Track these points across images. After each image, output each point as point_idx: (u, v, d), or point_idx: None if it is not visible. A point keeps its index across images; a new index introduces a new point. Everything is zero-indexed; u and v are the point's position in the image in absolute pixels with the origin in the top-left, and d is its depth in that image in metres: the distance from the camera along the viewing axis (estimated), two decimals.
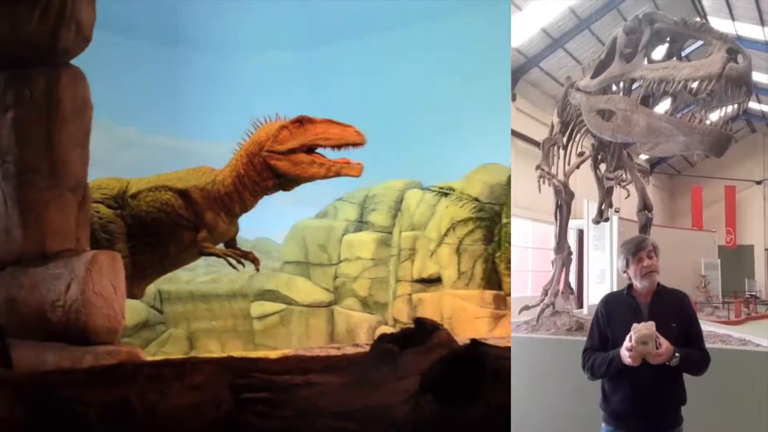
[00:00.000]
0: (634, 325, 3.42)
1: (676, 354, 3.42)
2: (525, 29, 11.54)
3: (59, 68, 5.86)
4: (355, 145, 6.94)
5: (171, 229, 7.54)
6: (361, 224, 15.81)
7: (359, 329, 14.71)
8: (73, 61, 6.03)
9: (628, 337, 3.42)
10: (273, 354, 5.45)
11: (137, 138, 19.42)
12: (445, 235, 13.73)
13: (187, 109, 18.16)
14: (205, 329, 15.70)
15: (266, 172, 7.25)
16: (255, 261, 7.87)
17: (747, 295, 12.42)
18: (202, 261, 10.88)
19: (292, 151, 7.04)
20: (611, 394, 3.70)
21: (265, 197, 7.66)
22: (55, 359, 4.90)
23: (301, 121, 7.02)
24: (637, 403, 3.60)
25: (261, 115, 7.53)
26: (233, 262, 7.65)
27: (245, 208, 7.59)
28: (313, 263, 15.77)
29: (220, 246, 7.84)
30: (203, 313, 15.79)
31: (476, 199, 13.92)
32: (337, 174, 7.11)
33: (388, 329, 12.66)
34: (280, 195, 7.92)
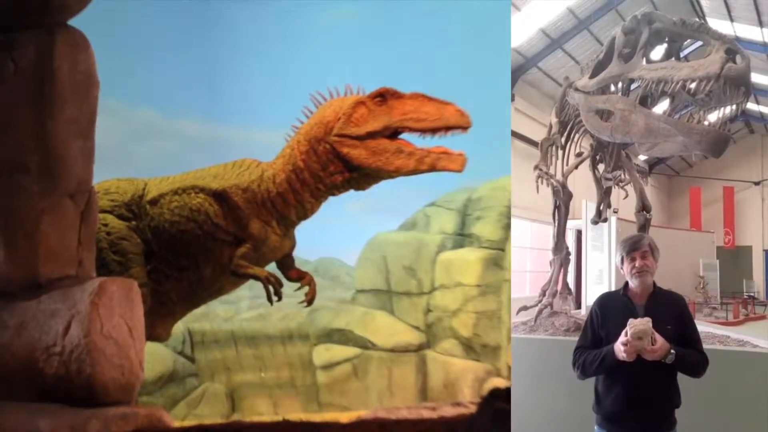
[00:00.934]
0: (630, 320, 3.42)
1: (672, 351, 3.41)
2: (524, 29, 11.54)
3: (54, 31, 4.27)
4: (456, 128, 4.84)
5: (205, 244, 5.49)
6: (462, 238, 12.15)
7: (461, 382, 11.19)
8: (73, 22, 4.39)
9: (623, 332, 3.42)
10: (344, 417, 4.55)
11: (158, 125, 14.73)
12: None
13: (225, 87, 13.85)
14: (252, 383, 11.76)
15: (334, 163, 5.12)
16: (310, 285, 5.69)
17: (745, 296, 12.43)
18: (245, 290, 8.54)
19: (372, 135, 4.99)
20: (604, 396, 3.69)
21: (331, 200, 5.51)
22: (51, 426, 3.71)
23: (384, 96, 4.97)
24: (630, 405, 3.58)
25: (323, 88, 5.39)
26: (274, 290, 5.37)
27: (304, 214, 5.43)
28: (397, 292, 12.03)
29: (262, 268, 5.54)
30: (249, 361, 11.93)
31: None
32: (432, 168, 4.94)
33: (502, 382, 10.14)
34: (351, 197, 5.55)
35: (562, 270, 8.51)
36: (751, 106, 12.85)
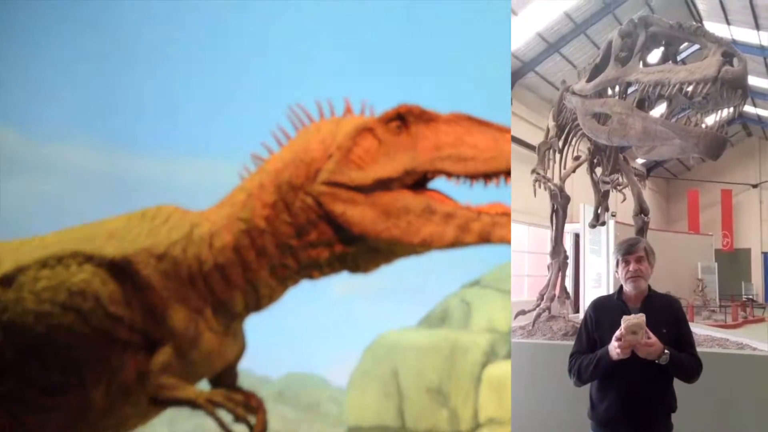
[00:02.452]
0: (624, 316, 3.42)
1: (665, 351, 3.40)
2: (521, 33, 11.55)
3: None
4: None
5: (94, 349, 3.33)
6: None
7: None
8: None
9: (618, 330, 3.41)
10: None
11: (24, 151, 8.91)
12: None
13: (123, 99, 9.15)
14: None
15: (318, 227, 3.12)
16: (258, 410, 3.30)
17: (744, 299, 12.43)
18: (164, 426, 5.39)
19: (385, 184, 3.00)
20: (599, 402, 3.68)
21: (305, 284, 3.36)
22: None
23: (404, 119, 3.03)
24: (625, 410, 3.57)
25: (303, 99, 3.29)
26: (236, 415, 3.22)
27: (257, 303, 3.35)
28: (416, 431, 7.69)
29: (196, 388, 3.34)
30: None
31: None
32: (484, 239, 2.95)
33: None
34: (342, 276, 3.31)
35: (560, 274, 8.49)
36: (748, 108, 12.87)
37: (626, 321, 3.38)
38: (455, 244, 2.94)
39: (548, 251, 8.67)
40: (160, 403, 3.28)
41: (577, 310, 9.53)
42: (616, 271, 3.74)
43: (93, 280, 3.29)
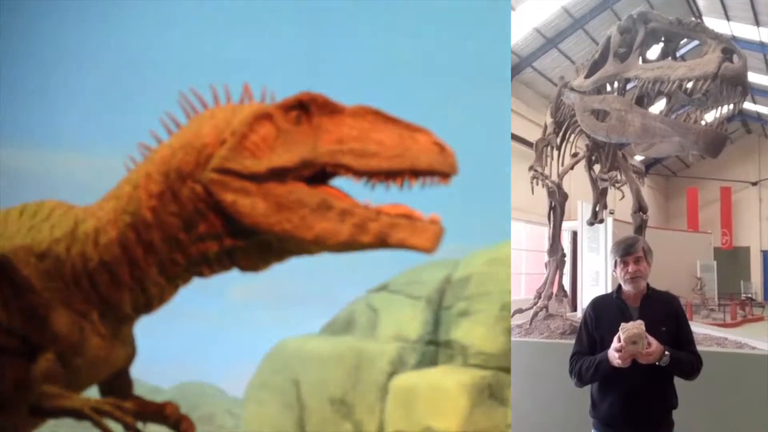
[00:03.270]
0: (623, 324, 3.36)
1: (666, 353, 3.37)
2: (518, 29, 11.50)
3: None
4: (430, 174, 2.65)
5: None
6: (434, 349, 7.57)
7: None
8: None
9: (616, 338, 3.37)
10: None
11: None
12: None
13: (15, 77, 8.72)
14: None
15: (207, 219, 2.86)
16: (181, 421, 3.14)
17: (743, 297, 12.41)
18: None
19: (279, 174, 2.75)
20: (600, 400, 3.66)
21: (198, 282, 3.13)
22: None
23: (306, 107, 2.78)
24: (626, 409, 3.55)
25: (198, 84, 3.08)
26: (126, 426, 2.86)
27: (148, 304, 3.10)
28: None
29: (81, 396, 3.02)
30: None
31: None
32: (381, 241, 2.65)
33: None
34: (236, 277, 3.06)
35: (557, 272, 8.45)
36: (748, 105, 12.83)
37: (625, 331, 3.31)
38: (351, 243, 2.69)
39: (546, 249, 8.63)
40: (41, 413, 2.98)
41: (574, 309, 9.48)
42: (614, 271, 3.70)
43: None
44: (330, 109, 2.75)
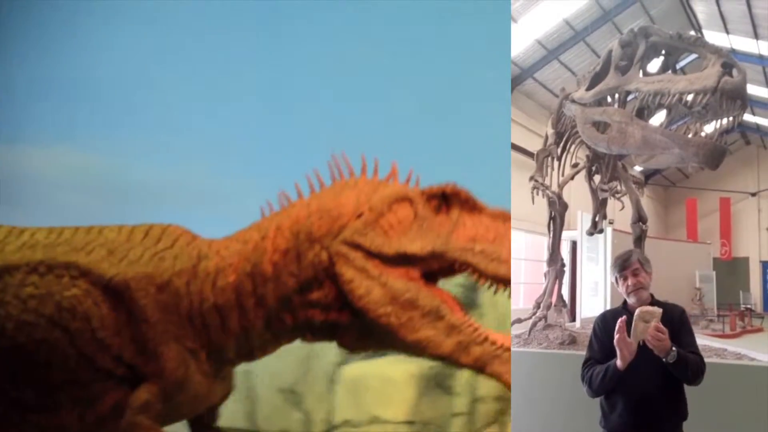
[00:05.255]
0: (639, 308, 3.44)
1: (674, 349, 3.40)
2: (520, 40, 11.55)
3: None
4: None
5: (74, 371, 3.03)
6: None
7: None
8: None
9: (617, 331, 3.42)
10: None
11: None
12: None
13: None
14: None
15: (324, 286, 2.87)
16: None
17: (742, 308, 12.39)
18: None
19: (408, 259, 2.78)
20: (610, 410, 3.67)
21: None
22: None
23: (448, 199, 2.84)
24: (637, 418, 3.56)
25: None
26: None
27: (250, 352, 3.14)
28: None
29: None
30: None
31: None
32: (479, 368, 2.74)
33: None
34: None
35: (556, 282, 8.47)
36: (747, 117, 12.86)
37: (640, 309, 3.39)
38: (448, 359, 2.71)
39: (545, 259, 8.64)
40: None
41: (573, 319, 9.49)
42: (618, 288, 3.76)
43: (85, 299, 2.99)
44: (471, 205, 2.80)
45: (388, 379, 7.16)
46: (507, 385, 2.65)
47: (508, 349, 2.65)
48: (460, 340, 2.65)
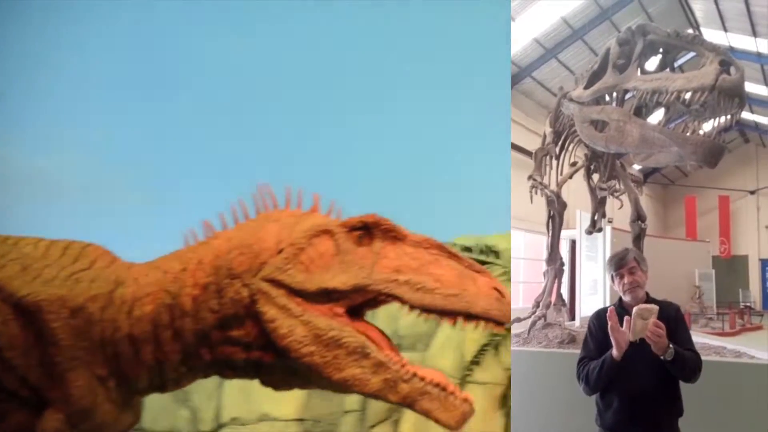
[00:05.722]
0: (637, 306, 3.45)
1: (671, 346, 3.40)
2: (518, 39, 11.55)
3: None
4: (483, 320, 2.52)
5: None
6: None
7: None
8: None
9: (610, 329, 3.44)
10: None
11: None
12: (475, 362, 7.10)
13: None
14: None
15: (245, 325, 2.73)
16: None
17: (741, 306, 12.39)
18: None
19: (330, 295, 2.63)
20: (605, 408, 3.68)
21: None
22: None
23: (369, 230, 2.70)
24: (633, 415, 3.58)
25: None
26: None
27: (161, 385, 3.02)
28: None
29: None
30: None
31: None
32: (408, 405, 2.58)
33: None
34: None
35: (556, 281, 8.47)
36: (745, 115, 12.86)
37: (638, 307, 3.41)
38: (376, 396, 2.59)
39: (544, 258, 8.64)
40: None
41: (573, 318, 9.49)
42: (614, 286, 3.76)
43: None
44: (393, 234, 2.66)
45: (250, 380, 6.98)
46: (440, 424, 2.50)
47: (438, 385, 2.52)
48: (387, 378, 2.53)
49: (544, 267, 8.60)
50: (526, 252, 12.24)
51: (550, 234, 8.50)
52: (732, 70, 5.48)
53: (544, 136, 8.53)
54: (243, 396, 7.35)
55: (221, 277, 2.73)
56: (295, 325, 2.58)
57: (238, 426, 7.32)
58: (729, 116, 5.69)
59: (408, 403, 2.53)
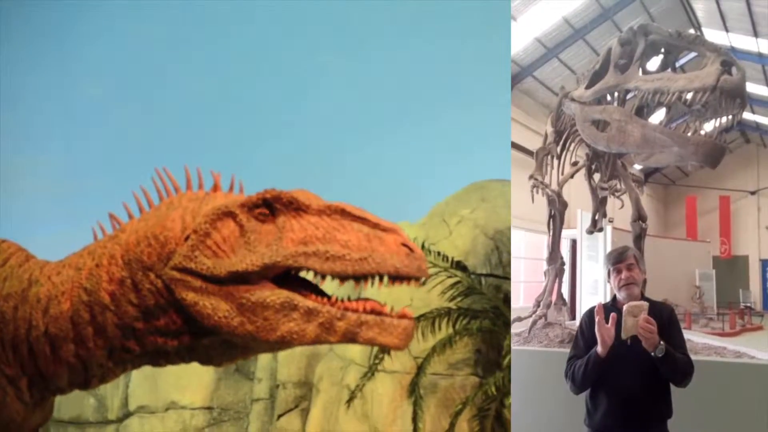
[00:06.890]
0: (627, 303, 3.45)
1: (661, 343, 3.41)
2: (519, 39, 11.56)
3: None
4: (399, 279, 2.51)
5: None
6: None
7: None
8: None
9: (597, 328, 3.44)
10: None
11: None
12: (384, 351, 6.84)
13: None
14: None
15: (168, 314, 2.70)
16: None
17: (742, 306, 12.40)
18: None
19: (241, 277, 2.58)
20: (594, 409, 3.69)
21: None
22: None
23: (271, 206, 2.64)
24: (621, 417, 3.59)
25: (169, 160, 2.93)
26: None
27: (85, 382, 2.91)
28: (62, 420, 7.59)
29: None
30: None
31: (459, 266, 7.81)
32: (351, 339, 2.56)
33: None
34: None
35: (556, 280, 8.47)
36: (746, 115, 12.85)
37: (628, 305, 3.42)
38: (318, 342, 2.58)
39: (545, 257, 8.65)
40: None
41: (573, 317, 9.50)
42: (609, 282, 3.77)
43: None
44: (295, 206, 2.61)
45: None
46: (389, 347, 2.52)
47: (373, 311, 2.50)
48: (321, 322, 2.52)
49: (544, 266, 8.61)
50: (526, 251, 12.26)
51: (551, 233, 8.51)
52: (733, 70, 5.48)
53: (546, 136, 8.54)
54: (150, 384, 7.48)
55: (134, 271, 2.69)
56: (217, 301, 2.56)
57: (145, 414, 7.41)
58: (730, 117, 5.70)
59: (349, 338, 2.52)
